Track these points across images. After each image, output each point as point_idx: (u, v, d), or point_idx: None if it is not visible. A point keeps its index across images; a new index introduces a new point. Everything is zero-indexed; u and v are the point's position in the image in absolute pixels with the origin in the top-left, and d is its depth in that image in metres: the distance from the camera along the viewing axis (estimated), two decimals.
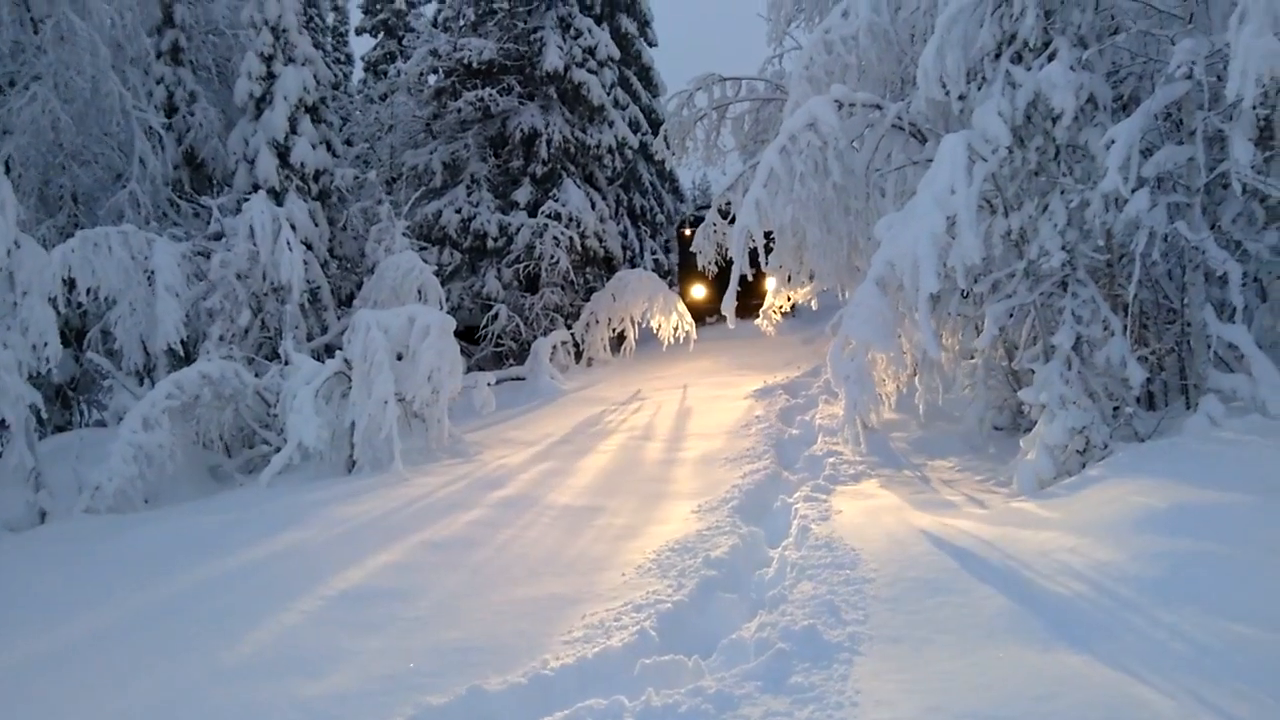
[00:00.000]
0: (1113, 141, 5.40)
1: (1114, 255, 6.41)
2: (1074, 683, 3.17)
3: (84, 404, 12.74)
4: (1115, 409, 6.04)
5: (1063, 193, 5.88)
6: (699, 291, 20.54)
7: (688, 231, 19.73)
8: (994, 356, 7.07)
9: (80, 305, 10.00)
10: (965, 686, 3.25)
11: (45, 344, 7.92)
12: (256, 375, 9.69)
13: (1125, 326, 5.92)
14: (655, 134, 19.29)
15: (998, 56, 6.20)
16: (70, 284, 9.04)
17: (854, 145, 7.68)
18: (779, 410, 9.86)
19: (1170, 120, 6.38)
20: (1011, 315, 6.59)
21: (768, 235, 7.61)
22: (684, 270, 21.07)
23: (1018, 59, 6.08)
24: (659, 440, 9.01)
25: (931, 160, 6.05)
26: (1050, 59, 5.79)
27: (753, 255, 7.28)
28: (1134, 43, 6.31)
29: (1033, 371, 6.15)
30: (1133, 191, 5.39)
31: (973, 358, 7.23)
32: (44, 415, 8.34)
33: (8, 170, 11.69)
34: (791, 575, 4.65)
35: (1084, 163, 6.03)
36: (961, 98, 6.42)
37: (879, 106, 7.32)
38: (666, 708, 3.34)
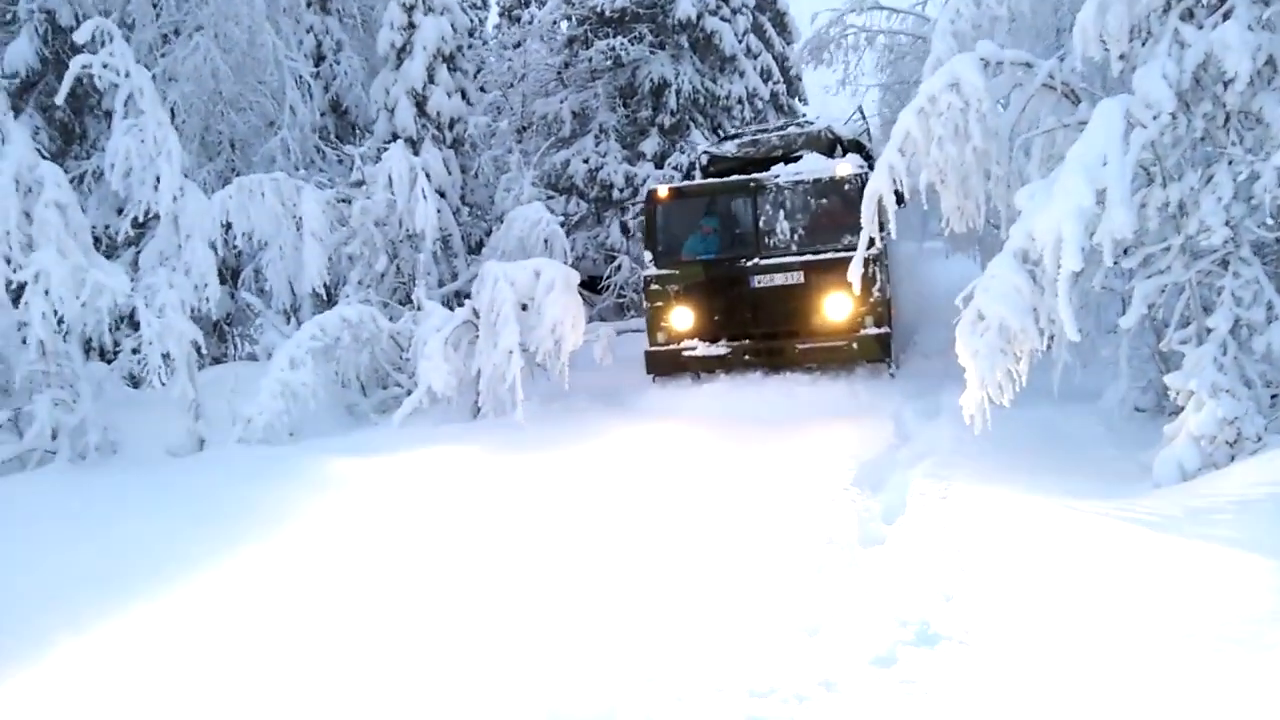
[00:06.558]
0: None
1: None
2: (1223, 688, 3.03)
3: (237, 337, 13.67)
4: (1273, 399, 5.62)
5: (1230, 163, 5.43)
6: (684, 318, 9.98)
7: (663, 193, 10.25)
8: (1139, 335, 6.66)
9: (235, 247, 10.65)
10: (1088, 684, 3.16)
11: (206, 284, 8.52)
12: (391, 320, 10.14)
13: None
14: (787, 83, 18.75)
15: (1166, 12, 5.71)
16: (227, 227, 9.64)
17: (999, 105, 7.26)
18: (900, 383, 9.62)
19: None
20: (1163, 293, 6.18)
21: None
22: (663, 268, 10.16)
23: (1189, 16, 5.59)
24: (772, 403, 8.95)
25: (1084, 124, 5.67)
26: (1225, 17, 5.31)
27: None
28: None
29: (1182, 353, 5.78)
30: None
31: (1114, 332, 6.83)
32: (202, 349, 8.97)
33: (173, 117, 12.47)
34: (907, 554, 4.59)
35: (1256, 130, 5.53)
36: (1122, 57, 5.96)
37: (1029, 64, 6.87)
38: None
